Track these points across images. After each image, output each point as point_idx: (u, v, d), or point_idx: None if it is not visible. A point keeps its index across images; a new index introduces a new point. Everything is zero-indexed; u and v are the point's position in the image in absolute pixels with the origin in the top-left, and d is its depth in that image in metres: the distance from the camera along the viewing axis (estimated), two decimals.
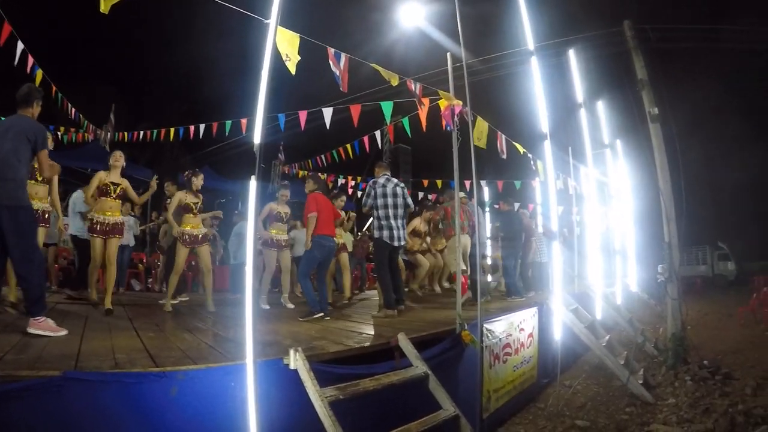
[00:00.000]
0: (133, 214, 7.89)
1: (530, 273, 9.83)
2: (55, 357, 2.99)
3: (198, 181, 6.38)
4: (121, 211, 5.90)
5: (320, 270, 6.16)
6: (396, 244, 6.12)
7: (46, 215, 5.21)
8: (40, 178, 5.00)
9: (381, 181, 6.22)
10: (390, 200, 6.13)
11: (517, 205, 13.48)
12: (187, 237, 6.19)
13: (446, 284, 9.12)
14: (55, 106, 11.43)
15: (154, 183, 6.12)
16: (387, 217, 6.08)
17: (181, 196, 6.27)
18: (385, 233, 6.04)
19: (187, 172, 6.54)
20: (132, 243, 8.04)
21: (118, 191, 5.67)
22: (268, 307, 6.71)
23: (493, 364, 4.92)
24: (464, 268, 7.00)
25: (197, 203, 6.35)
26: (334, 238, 6.20)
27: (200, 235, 6.32)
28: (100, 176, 5.61)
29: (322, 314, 5.55)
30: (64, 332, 3.82)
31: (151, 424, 2.65)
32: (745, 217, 29.80)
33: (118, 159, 5.73)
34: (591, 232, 10.09)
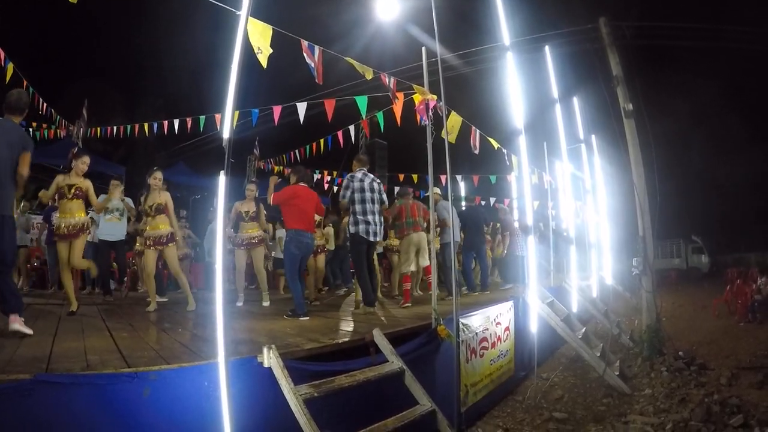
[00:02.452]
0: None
1: (508, 266, 9.98)
2: (26, 360, 2.95)
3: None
4: (85, 211, 5.64)
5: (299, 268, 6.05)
6: (372, 239, 6.08)
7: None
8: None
9: (358, 175, 6.17)
10: (367, 195, 6.08)
11: (493, 200, 13.61)
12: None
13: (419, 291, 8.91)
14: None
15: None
16: (364, 212, 6.03)
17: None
18: (362, 227, 6.00)
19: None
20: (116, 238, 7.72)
21: (73, 192, 5.44)
22: (240, 303, 6.65)
23: (470, 358, 4.94)
24: (413, 268, 7.09)
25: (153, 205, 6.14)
26: (312, 235, 6.02)
27: (164, 236, 6.14)
28: (58, 180, 5.46)
29: (307, 318, 5.41)
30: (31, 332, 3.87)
31: (124, 425, 2.61)
32: (718, 211, 30.56)
33: (84, 166, 5.58)
34: (566, 226, 10.23)
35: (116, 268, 9.22)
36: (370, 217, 6.05)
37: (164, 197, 6.17)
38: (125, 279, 9.27)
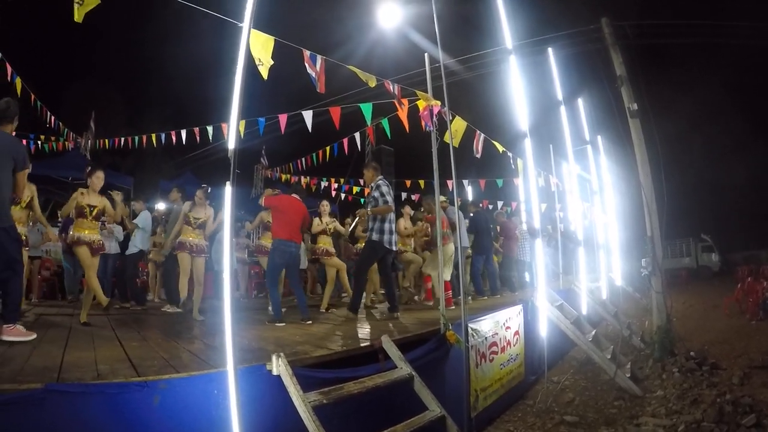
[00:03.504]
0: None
1: (515, 272, 9.97)
2: (37, 369, 2.96)
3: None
4: (99, 230, 5.74)
5: (290, 277, 6.02)
6: (394, 248, 6.05)
7: (24, 237, 5.31)
8: (23, 204, 5.04)
9: (385, 182, 6.12)
10: (393, 204, 6.04)
11: (500, 203, 13.59)
12: (187, 245, 6.25)
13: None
14: (34, 115, 11.32)
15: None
16: (390, 221, 5.94)
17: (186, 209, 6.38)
18: (386, 237, 5.85)
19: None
20: (115, 251, 7.89)
21: (95, 213, 5.54)
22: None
23: (480, 363, 4.94)
24: (447, 277, 6.86)
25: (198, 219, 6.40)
26: (297, 244, 5.91)
27: (195, 246, 6.32)
28: (77, 198, 5.49)
29: (283, 323, 5.43)
30: (33, 336, 4.00)
31: None
32: (728, 209, 30.30)
33: (100, 181, 5.62)
34: (574, 228, 10.20)
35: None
36: (393, 227, 5.99)
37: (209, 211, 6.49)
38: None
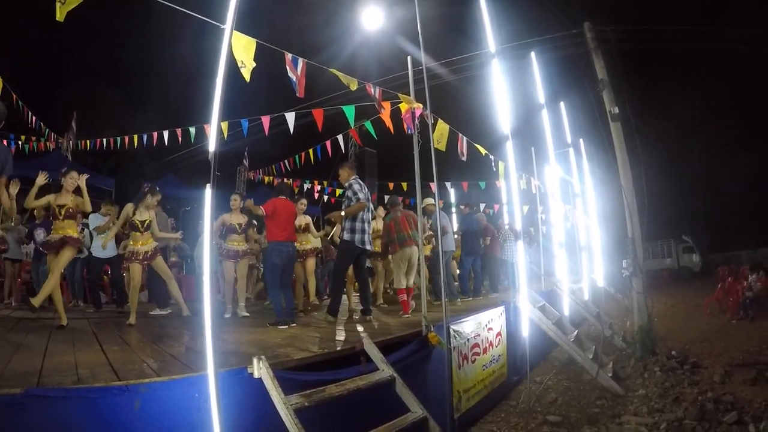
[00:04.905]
0: (86, 222, 7.61)
1: (498, 272, 10.04)
2: (17, 374, 2.93)
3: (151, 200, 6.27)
4: (77, 230, 5.76)
5: (283, 277, 5.95)
6: (368, 247, 6.00)
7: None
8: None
9: (359, 182, 6.08)
10: (368, 203, 5.99)
11: (482, 205, 13.68)
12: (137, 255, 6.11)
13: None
14: (16, 115, 11.14)
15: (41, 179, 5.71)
16: (362, 220, 5.90)
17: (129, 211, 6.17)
18: (357, 237, 5.84)
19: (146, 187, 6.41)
20: (83, 255, 7.74)
21: (63, 212, 5.55)
22: (228, 315, 6.62)
23: (462, 364, 4.96)
24: (407, 283, 6.74)
25: (145, 221, 6.19)
26: (293, 243, 5.98)
27: (150, 252, 6.21)
28: (50, 199, 5.55)
29: (285, 326, 5.39)
30: None
31: None
32: (708, 210, 30.78)
33: (73, 182, 5.62)
34: (556, 230, 10.29)
35: (106, 281, 9.22)
36: (366, 226, 5.94)
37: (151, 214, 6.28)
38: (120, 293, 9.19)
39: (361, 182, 6.09)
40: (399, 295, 6.60)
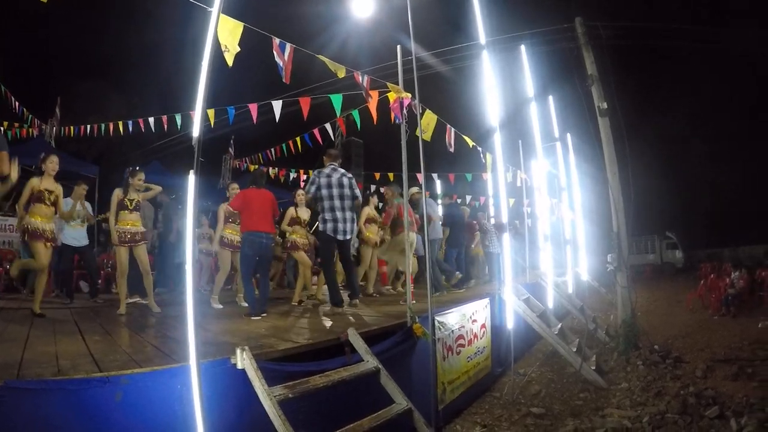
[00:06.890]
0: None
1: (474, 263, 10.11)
2: None
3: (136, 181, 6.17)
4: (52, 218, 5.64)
5: (259, 268, 5.86)
6: (341, 237, 5.91)
7: None
8: None
9: (326, 170, 6.00)
10: (335, 191, 5.90)
11: (468, 198, 13.71)
12: (126, 235, 5.97)
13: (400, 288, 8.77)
14: None
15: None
16: (332, 209, 5.87)
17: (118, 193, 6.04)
18: (329, 226, 5.83)
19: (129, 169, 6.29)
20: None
21: (51, 199, 5.50)
22: (221, 306, 6.53)
23: (447, 356, 4.97)
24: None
25: (133, 200, 6.11)
26: (269, 234, 5.79)
27: (138, 234, 6.08)
28: (33, 183, 5.41)
29: (259, 317, 5.32)
30: None
31: (97, 430, 2.56)
32: (692, 207, 31.23)
33: (54, 165, 5.54)
34: (541, 224, 10.34)
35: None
36: (338, 214, 5.88)
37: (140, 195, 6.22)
38: (99, 282, 9.05)
39: (324, 171, 6.02)
40: (380, 266, 6.62)
